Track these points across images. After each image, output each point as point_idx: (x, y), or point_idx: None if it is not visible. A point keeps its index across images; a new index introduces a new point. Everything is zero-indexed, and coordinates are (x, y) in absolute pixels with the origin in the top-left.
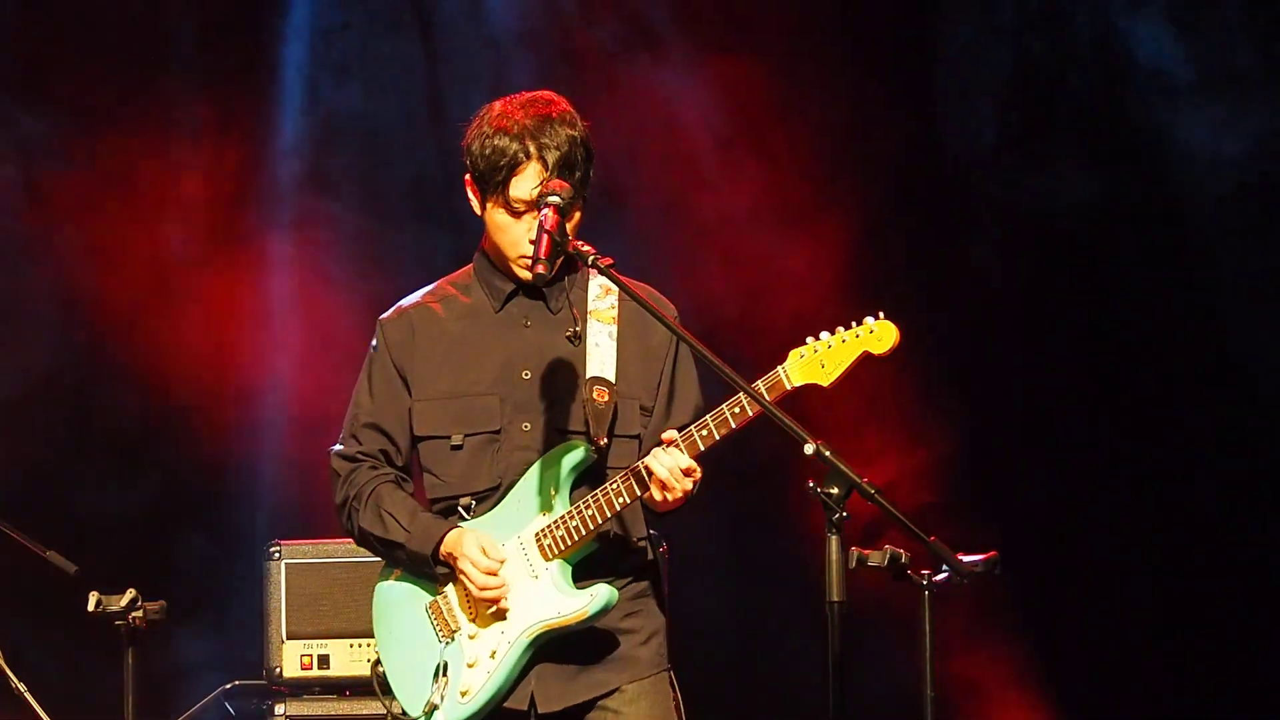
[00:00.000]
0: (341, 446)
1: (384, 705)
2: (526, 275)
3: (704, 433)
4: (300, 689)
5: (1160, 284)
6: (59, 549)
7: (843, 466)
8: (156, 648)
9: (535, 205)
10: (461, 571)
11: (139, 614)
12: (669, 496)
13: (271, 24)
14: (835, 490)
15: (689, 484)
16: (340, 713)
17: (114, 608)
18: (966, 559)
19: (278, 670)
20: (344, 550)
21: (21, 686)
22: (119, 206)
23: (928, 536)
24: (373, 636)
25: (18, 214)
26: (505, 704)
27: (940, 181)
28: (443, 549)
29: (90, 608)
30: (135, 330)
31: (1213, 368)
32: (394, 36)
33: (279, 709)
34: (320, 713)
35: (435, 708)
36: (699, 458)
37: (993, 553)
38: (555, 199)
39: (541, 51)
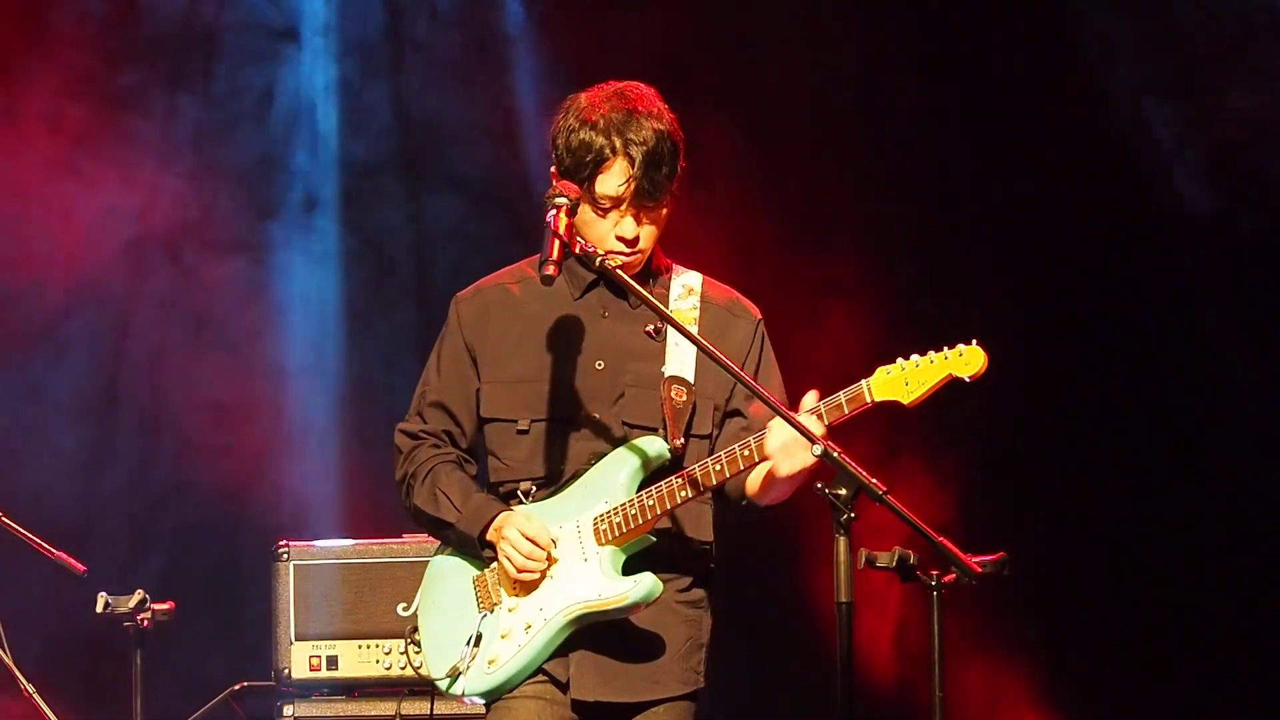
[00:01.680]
0: (407, 424)
1: (410, 665)
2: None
3: (745, 453)
4: (308, 690)
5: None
6: (67, 549)
7: (850, 467)
8: (164, 649)
9: (620, 201)
10: (503, 553)
11: (147, 615)
12: (798, 466)
13: None
14: (843, 491)
15: (818, 451)
16: (349, 713)
17: (122, 609)
18: (975, 559)
19: (286, 671)
20: (353, 551)
21: (30, 688)
22: None
23: (936, 537)
24: (380, 637)
25: None
26: (549, 668)
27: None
28: (490, 531)
29: (99, 609)
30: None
31: (1226, 375)
32: None
33: (287, 710)
34: (329, 714)
35: (459, 673)
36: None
37: (1001, 553)
38: (563, 200)
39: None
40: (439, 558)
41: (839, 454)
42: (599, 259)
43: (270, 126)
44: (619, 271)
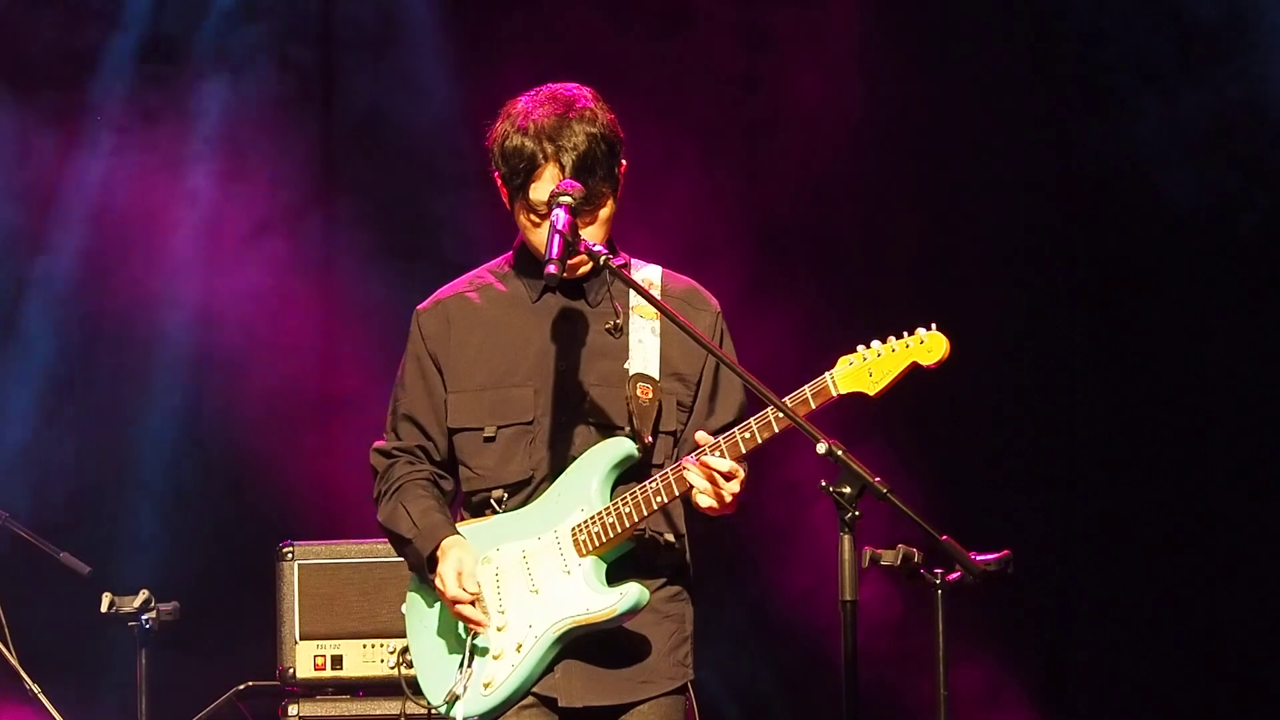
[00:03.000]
0: (381, 442)
1: (405, 693)
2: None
3: (746, 435)
4: (313, 689)
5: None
6: (73, 551)
7: (855, 466)
8: (169, 648)
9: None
10: (439, 576)
11: (152, 615)
12: (714, 504)
13: None
14: (848, 489)
15: (735, 487)
16: (353, 713)
17: (127, 609)
18: (979, 558)
19: (291, 671)
20: (357, 551)
21: (36, 688)
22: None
23: (940, 535)
24: (385, 637)
25: None
26: (534, 690)
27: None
28: (437, 554)
29: (104, 609)
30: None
31: (1231, 372)
32: None
33: (292, 709)
34: (334, 713)
35: (456, 698)
36: (741, 459)
37: (1005, 551)
38: (567, 199)
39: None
40: (418, 579)
41: (843, 452)
42: (602, 257)
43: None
44: (623, 270)
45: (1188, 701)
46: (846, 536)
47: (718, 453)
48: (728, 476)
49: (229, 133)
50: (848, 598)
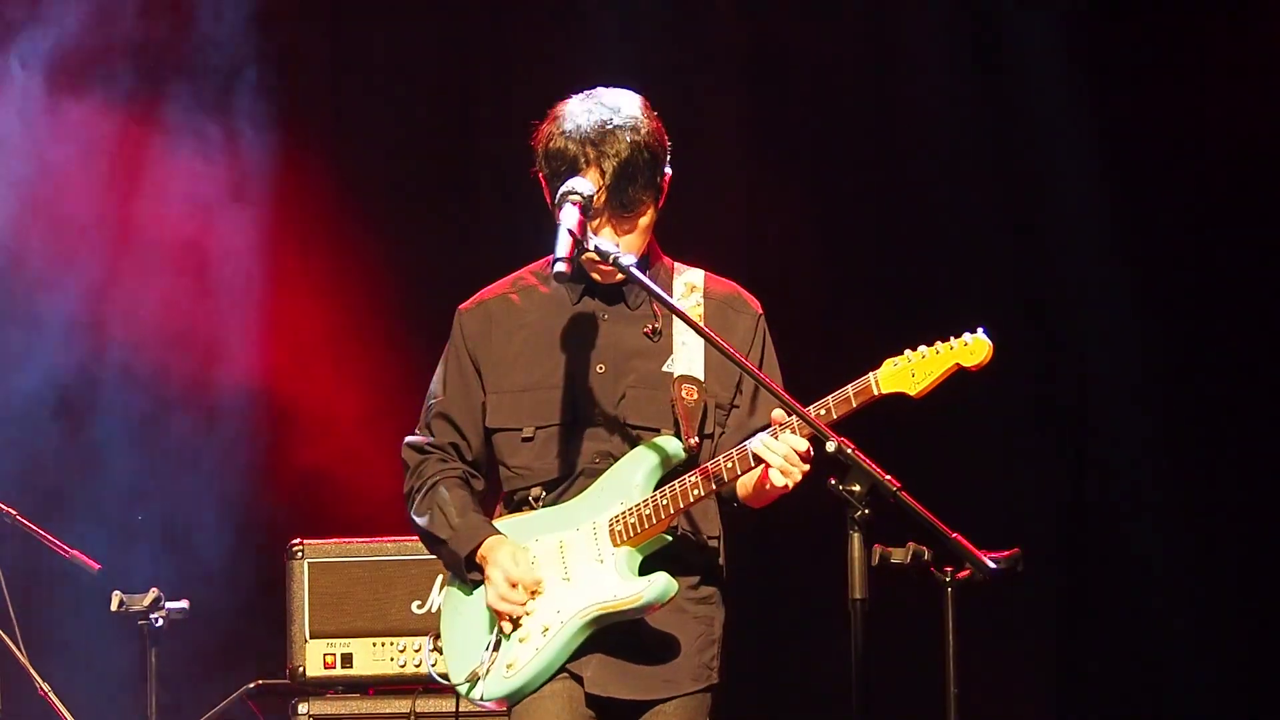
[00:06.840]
0: (414, 437)
1: (429, 669)
2: (596, 277)
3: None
4: (323, 688)
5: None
6: (83, 548)
7: (864, 464)
8: (179, 647)
9: (596, 213)
10: (489, 578)
11: (162, 613)
12: (789, 483)
13: None
14: (857, 488)
15: (807, 467)
16: (364, 711)
17: (137, 607)
18: (989, 556)
19: (301, 669)
20: (367, 549)
21: (46, 686)
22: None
23: (950, 534)
24: (395, 635)
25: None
26: (568, 666)
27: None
28: (478, 555)
29: (113, 607)
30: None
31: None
32: None
33: (302, 708)
34: (343, 712)
35: (479, 678)
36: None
37: (1015, 549)
38: (576, 196)
39: None
40: None
41: (853, 450)
42: (613, 256)
43: None
44: (633, 270)
45: (1193, 701)
46: (856, 535)
47: (789, 430)
48: (804, 457)
49: None
50: (857, 596)
